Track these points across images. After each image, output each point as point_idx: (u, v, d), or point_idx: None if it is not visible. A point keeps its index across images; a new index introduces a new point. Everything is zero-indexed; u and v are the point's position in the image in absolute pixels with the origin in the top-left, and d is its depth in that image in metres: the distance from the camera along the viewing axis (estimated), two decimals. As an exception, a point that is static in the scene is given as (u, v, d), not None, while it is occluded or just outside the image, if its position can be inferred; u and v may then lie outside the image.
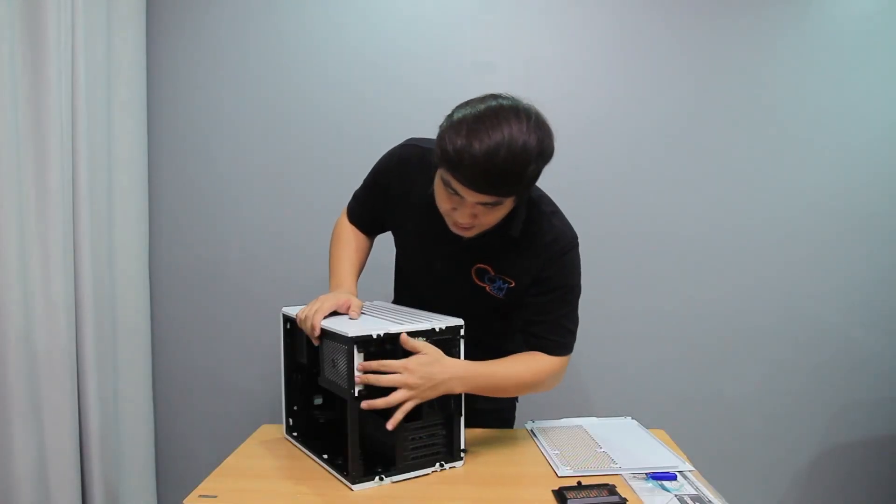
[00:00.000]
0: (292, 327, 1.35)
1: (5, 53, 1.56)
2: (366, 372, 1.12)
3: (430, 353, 1.16)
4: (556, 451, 1.29)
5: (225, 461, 1.25)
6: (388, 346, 1.15)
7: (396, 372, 1.12)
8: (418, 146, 1.35)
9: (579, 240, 1.35)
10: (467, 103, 1.15)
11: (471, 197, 1.11)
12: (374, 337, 1.12)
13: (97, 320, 1.83)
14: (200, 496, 1.09)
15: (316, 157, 2.09)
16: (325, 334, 1.19)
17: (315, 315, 1.20)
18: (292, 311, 1.33)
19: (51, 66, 1.65)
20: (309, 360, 1.32)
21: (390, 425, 1.12)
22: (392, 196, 1.38)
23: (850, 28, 2.05)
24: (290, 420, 1.37)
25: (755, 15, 2.04)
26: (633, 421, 1.50)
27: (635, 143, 2.08)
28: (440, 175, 1.14)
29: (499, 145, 1.05)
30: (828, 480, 2.17)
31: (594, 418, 1.51)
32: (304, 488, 1.14)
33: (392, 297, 1.57)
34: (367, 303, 1.47)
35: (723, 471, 2.07)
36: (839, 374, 2.14)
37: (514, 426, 1.62)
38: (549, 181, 2.09)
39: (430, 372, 1.15)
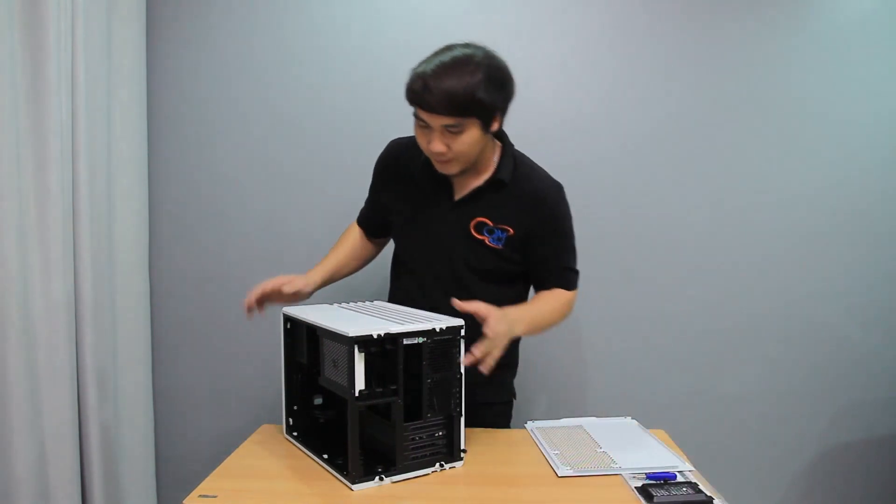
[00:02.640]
0: (292, 327, 1.35)
1: (5, 53, 1.56)
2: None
3: (492, 310, 1.20)
4: (556, 451, 1.29)
5: (225, 461, 1.25)
6: (389, 346, 1.14)
7: (492, 342, 1.17)
8: (400, 139, 1.52)
9: (578, 247, 1.50)
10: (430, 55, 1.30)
11: (434, 121, 1.24)
12: (375, 337, 1.12)
13: (97, 320, 1.83)
14: (200, 496, 1.09)
15: (316, 156, 2.09)
16: (326, 333, 1.19)
17: (253, 289, 1.36)
18: (293, 311, 1.34)
19: (51, 66, 1.65)
20: (309, 360, 1.32)
21: (486, 369, 1.17)
22: (390, 188, 1.50)
23: (849, 27, 2.05)
24: (290, 420, 1.37)
25: (754, 15, 2.04)
26: (633, 421, 1.50)
27: (635, 143, 2.08)
28: (414, 116, 1.29)
29: (446, 65, 1.22)
30: (828, 480, 2.17)
31: (594, 418, 1.51)
32: (305, 488, 1.14)
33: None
34: (367, 303, 1.48)
35: (723, 471, 2.07)
36: (839, 374, 2.14)
37: (514, 426, 1.61)
38: (549, 181, 2.09)
39: (508, 323, 1.22)
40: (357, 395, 1.11)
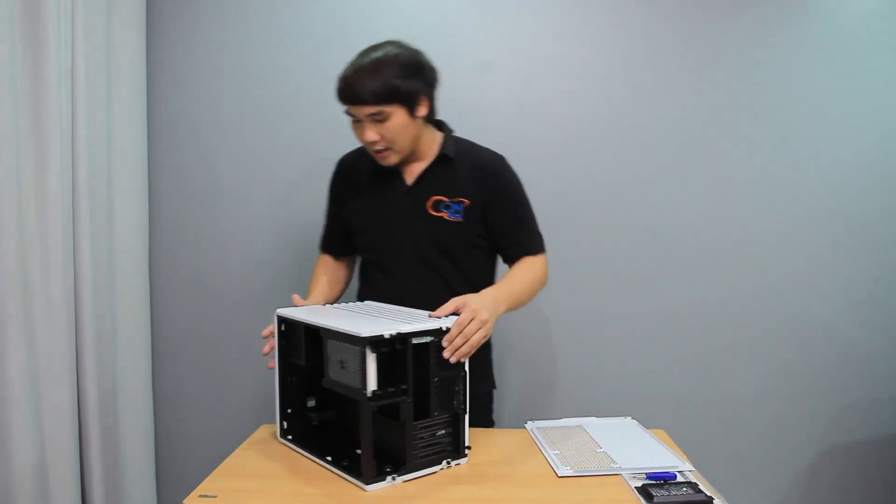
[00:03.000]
0: (287, 329, 1.34)
1: (5, 53, 1.55)
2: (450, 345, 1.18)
3: (469, 297, 1.26)
4: (556, 451, 1.29)
5: (225, 461, 1.25)
6: (399, 346, 1.14)
7: (470, 325, 1.19)
8: (347, 153, 1.61)
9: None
10: None
11: (359, 112, 1.35)
12: (387, 337, 1.11)
13: (97, 320, 1.83)
14: (200, 496, 1.09)
15: (316, 157, 2.09)
16: (332, 335, 1.19)
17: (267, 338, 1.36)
18: (287, 312, 1.33)
19: (51, 66, 1.65)
20: (308, 362, 1.31)
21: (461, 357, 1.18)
22: (347, 198, 1.57)
23: (850, 28, 2.05)
24: (285, 423, 1.35)
25: (755, 15, 2.05)
26: (633, 421, 1.50)
27: (636, 144, 2.08)
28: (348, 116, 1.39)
29: (362, 63, 1.33)
30: (828, 480, 2.17)
31: (594, 418, 1.50)
32: (312, 489, 1.14)
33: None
34: (357, 303, 1.49)
35: (723, 471, 2.07)
36: (839, 374, 2.14)
37: (514, 426, 1.61)
38: (549, 180, 2.10)
39: (488, 304, 1.26)
40: (370, 395, 1.11)
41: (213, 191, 2.12)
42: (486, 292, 1.33)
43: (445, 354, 1.17)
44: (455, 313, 1.23)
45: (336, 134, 2.07)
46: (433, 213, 1.46)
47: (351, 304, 1.47)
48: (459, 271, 1.49)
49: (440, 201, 1.46)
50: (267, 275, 2.13)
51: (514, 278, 1.45)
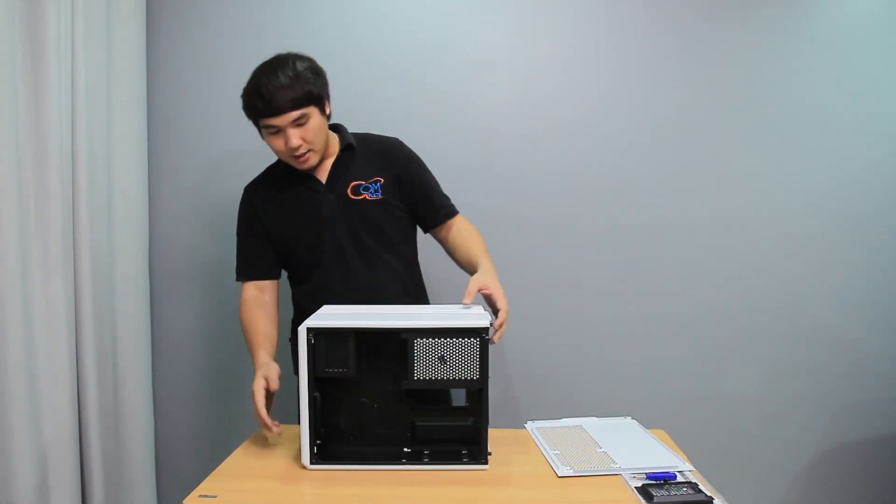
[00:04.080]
0: (322, 340, 1.21)
1: (5, 53, 1.55)
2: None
3: (488, 280, 1.39)
4: (556, 451, 1.29)
5: (225, 461, 1.25)
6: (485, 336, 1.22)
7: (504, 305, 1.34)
8: (252, 180, 1.66)
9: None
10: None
11: (283, 121, 1.41)
12: (489, 324, 1.22)
13: (97, 320, 1.83)
14: (200, 496, 1.09)
15: (316, 157, 2.09)
16: (427, 333, 1.20)
17: (258, 407, 1.30)
18: (320, 322, 1.23)
19: (51, 66, 1.65)
20: (360, 371, 1.24)
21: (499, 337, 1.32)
22: (268, 219, 1.60)
23: (850, 27, 2.05)
24: (315, 448, 1.22)
25: (755, 15, 2.05)
26: (633, 421, 1.50)
27: (635, 143, 2.08)
28: (262, 130, 1.47)
29: (270, 75, 1.41)
30: (828, 480, 2.17)
31: (594, 418, 1.51)
32: (312, 489, 1.14)
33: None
34: (358, 306, 1.46)
35: (723, 471, 2.06)
36: (839, 374, 2.14)
37: (514, 426, 1.61)
38: (549, 180, 2.10)
39: (495, 278, 1.41)
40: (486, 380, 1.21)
41: (213, 191, 2.12)
42: (488, 268, 1.44)
43: (496, 338, 1.28)
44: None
45: (336, 134, 2.08)
46: (354, 197, 1.54)
47: (368, 307, 1.44)
48: (393, 249, 1.58)
49: (358, 185, 1.55)
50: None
51: (479, 245, 1.55)
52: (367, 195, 1.54)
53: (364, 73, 2.05)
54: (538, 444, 1.35)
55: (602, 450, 1.30)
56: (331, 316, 1.30)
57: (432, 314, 1.32)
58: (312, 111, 1.44)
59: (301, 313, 1.61)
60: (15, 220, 1.59)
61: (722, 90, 2.07)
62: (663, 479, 1.15)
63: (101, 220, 1.87)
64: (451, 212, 1.63)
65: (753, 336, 2.13)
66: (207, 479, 1.17)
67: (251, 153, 2.11)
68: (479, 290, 1.35)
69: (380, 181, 1.56)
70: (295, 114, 1.41)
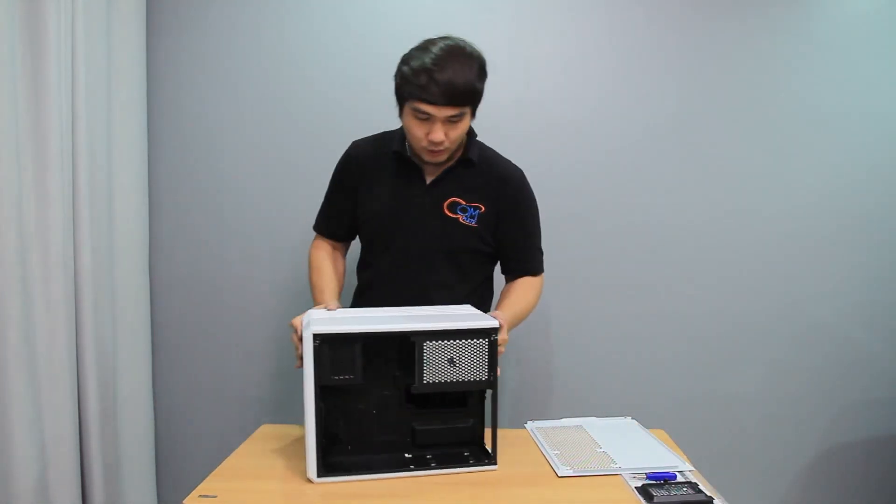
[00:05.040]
0: (327, 346, 1.16)
1: (5, 53, 1.55)
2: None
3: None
4: (556, 451, 1.29)
5: (225, 461, 1.25)
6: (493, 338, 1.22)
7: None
8: (360, 140, 1.57)
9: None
10: (412, 48, 1.37)
11: (439, 112, 1.31)
12: (499, 325, 1.21)
13: (97, 320, 1.83)
14: (200, 496, 1.09)
15: (317, 156, 2.08)
16: (437, 335, 1.17)
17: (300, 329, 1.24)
18: (325, 327, 1.17)
19: (51, 66, 1.65)
20: (367, 377, 1.20)
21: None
22: (357, 187, 1.53)
23: (850, 27, 2.05)
24: (319, 459, 1.17)
25: (754, 15, 2.04)
26: (633, 421, 1.50)
27: (635, 144, 2.08)
28: (409, 109, 1.35)
29: (444, 58, 1.29)
30: (828, 480, 2.17)
31: (594, 418, 1.51)
32: (312, 489, 1.14)
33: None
34: (371, 307, 1.46)
35: (723, 471, 2.07)
36: (839, 374, 2.14)
37: (515, 426, 1.61)
38: (549, 179, 2.10)
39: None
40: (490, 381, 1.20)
41: (213, 190, 2.12)
42: (503, 311, 1.42)
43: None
44: None
45: (337, 132, 2.07)
46: (449, 213, 1.47)
47: (370, 308, 1.44)
48: (461, 273, 1.51)
49: (457, 203, 1.47)
50: (267, 274, 2.13)
51: (517, 304, 1.50)
52: (461, 217, 1.47)
53: (364, 73, 2.05)
54: (538, 444, 1.35)
55: (602, 450, 1.30)
56: (335, 321, 1.22)
57: (439, 315, 1.27)
58: (467, 112, 1.37)
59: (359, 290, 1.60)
60: (15, 220, 1.59)
61: (722, 90, 2.07)
62: (663, 479, 1.15)
63: (101, 220, 1.87)
64: (530, 269, 1.56)
65: (753, 336, 2.13)
66: (207, 479, 1.17)
67: (252, 152, 2.12)
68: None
69: (480, 209, 1.48)
70: (455, 111, 1.33)
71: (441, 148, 1.38)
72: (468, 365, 1.19)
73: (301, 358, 1.20)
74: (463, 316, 1.27)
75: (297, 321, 1.30)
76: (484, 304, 1.59)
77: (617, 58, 2.07)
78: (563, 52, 2.07)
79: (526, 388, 2.15)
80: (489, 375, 1.19)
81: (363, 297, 1.59)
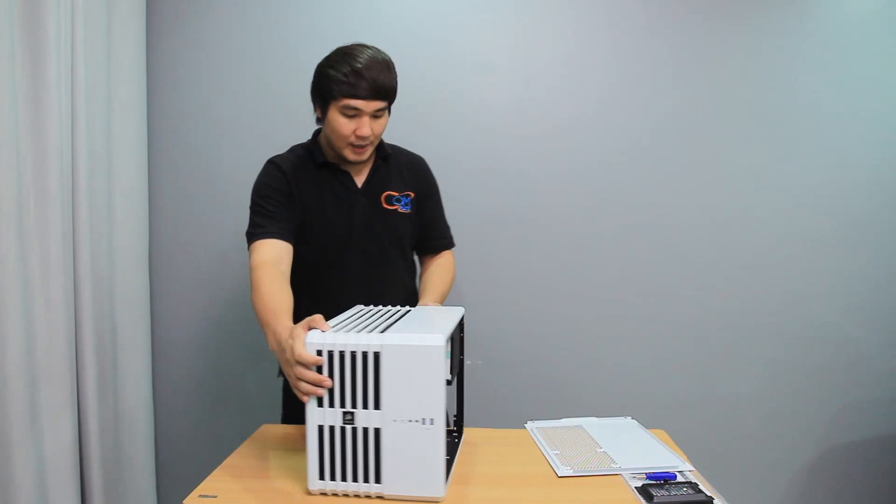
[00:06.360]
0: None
1: (5, 53, 1.55)
2: None
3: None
4: (556, 451, 1.29)
5: (225, 461, 1.25)
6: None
7: None
8: (278, 156, 1.59)
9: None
10: (328, 57, 1.46)
11: (368, 107, 1.40)
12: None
13: (97, 320, 1.83)
14: (200, 496, 1.09)
15: (316, 157, 2.09)
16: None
17: (299, 352, 1.07)
18: (323, 338, 1.07)
19: (51, 66, 1.65)
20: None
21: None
22: (296, 196, 1.51)
23: (849, 28, 2.05)
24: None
25: (754, 15, 2.05)
26: (633, 421, 1.50)
27: (635, 144, 2.08)
28: (337, 109, 1.41)
29: (369, 61, 1.39)
30: (828, 480, 2.17)
31: (594, 418, 1.50)
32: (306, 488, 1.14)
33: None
34: (368, 308, 1.45)
35: (723, 471, 2.07)
36: (839, 373, 2.14)
37: (515, 426, 1.61)
38: (549, 179, 2.10)
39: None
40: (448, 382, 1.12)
41: (212, 190, 2.12)
42: (429, 304, 1.45)
43: None
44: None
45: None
46: (387, 206, 1.55)
47: (363, 309, 1.39)
48: (405, 260, 1.61)
49: (391, 195, 1.55)
50: (267, 275, 2.12)
51: (439, 287, 1.56)
52: (398, 207, 1.56)
53: (364, 73, 2.05)
54: (538, 444, 1.35)
55: (602, 450, 1.30)
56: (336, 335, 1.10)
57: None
58: (386, 108, 1.46)
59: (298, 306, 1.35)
60: (15, 220, 1.59)
61: (722, 90, 2.07)
62: (663, 479, 1.15)
63: (101, 220, 1.87)
64: (445, 244, 1.67)
65: (753, 336, 2.13)
66: (207, 479, 1.17)
67: (251, 153, 2.11)
68: None
69: (410, 195, 1.58)
70: (381, 104, 1.42)
71: (366, 143, 1.45)
72: None
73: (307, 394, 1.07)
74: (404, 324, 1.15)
75: (301, 351, 1.08)
76: (413, 289, 1.66)
77: (617, 58, 2.07)
78: (563, 52, 2.07)
79: (526, 389, 2.15)
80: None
81: (301, 307, 1.35)
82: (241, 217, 2.11)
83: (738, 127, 2.08)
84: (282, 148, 2.09)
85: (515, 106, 2.08)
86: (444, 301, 1.55)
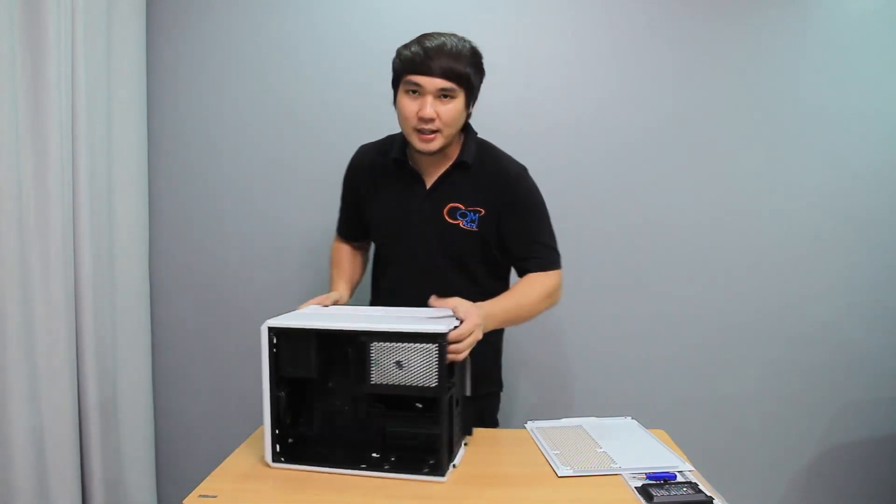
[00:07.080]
0: (284, 341, 1.22)
1: (5, 53, 1.56)
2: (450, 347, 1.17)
3: (471, 310, 1.24)
4: (557, 451, 1.29)
5: (225, 461, 1.25)
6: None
7: (467, 339, 1.20)
8: (367, 144, 1.59)
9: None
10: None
11: (430, 84, 1.33)
12: (445, 332, 1.14)
13: (97, 320, 1.83)
14: (200, 496, 1.09)
15: (316, 156, 2.09)
16: (384, 336, 1.16)
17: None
18: (282, 321, 1.22)
19: (51, 66, 1.65)
20: (321, 373, 1.23)
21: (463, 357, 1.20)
22: (363, 193, 1.56)
23: (849, 28, 2.05)
24: (278, 446, 1.22)
25: (754, 15, 2.04)
26: (633, 421, 1.50)
27: (635, 143, 2.08)
28: (402, 89, 1.37)
29: (439, 41, 1.35)
30: (828, 480, 2.17)
31: (594, 418, 1.50)
32: (311, 489, 1.14)
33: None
34: (349, 306, 1.47)
35: (723, 471, 2.06)
36: (839, 373, 2.14)
37: (514, 426, 1.62)
38: (549, 180, 2.10)
39: (480, 317, 1.25)
40: (448, 387, 1.16)
41: (213, 191, 2.12)
42: (484, 306, 1.31)
43: (450, 355, 1.17)
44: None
45: (337, 133, 2.08)
46: (449, 220, 1.46)
47: (347, 306, 1.46)
48: (469, 277, 1.49)
49: (456, 209, 1.46)
50: (267, 274, 2.13)
51: (515, 296, 1.43)
52: (462, 222, 1.46)
53: (364, 74, 2.05)
54: (538, 444, 1.35)
55: (602, 450, 1.30)
56: (298, 316, 1.27)
57: (397, 317, 1.25)
58: (460, 94, 1.36)
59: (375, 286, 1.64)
60: (15, 220, 1.59)
61: (721, 90, 2.07)
62: (663, 479, 1.15)
63: (101, 220, 1.87)
64: (536, 266, 1.47)
65: (754, 336, 2.13)
66: (207, 479, 1.17)
67: (252, 153, 2.12)
68: (453, 308, 1.24)
69: (480, 213, 1.45)
70: (445, 83, 1.34)
71: (432, 127, 1.35)
72: (416, 369, 1.15)
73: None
74: (418, 319, 1.23)
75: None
76: None
77: (617, 58, 2.07)
78: (563, 52, 2.07)
79: (526, 388, 2.15)
80: (438, 382, 1.13)
81: (379, 301, 1.60)
82: (242, 217, 2.12)
83: (738, 127, 2.08)
84: (282, 147, 2.11)
85: (515, 106, 2.08)
86: (510, 315, 1.40)
